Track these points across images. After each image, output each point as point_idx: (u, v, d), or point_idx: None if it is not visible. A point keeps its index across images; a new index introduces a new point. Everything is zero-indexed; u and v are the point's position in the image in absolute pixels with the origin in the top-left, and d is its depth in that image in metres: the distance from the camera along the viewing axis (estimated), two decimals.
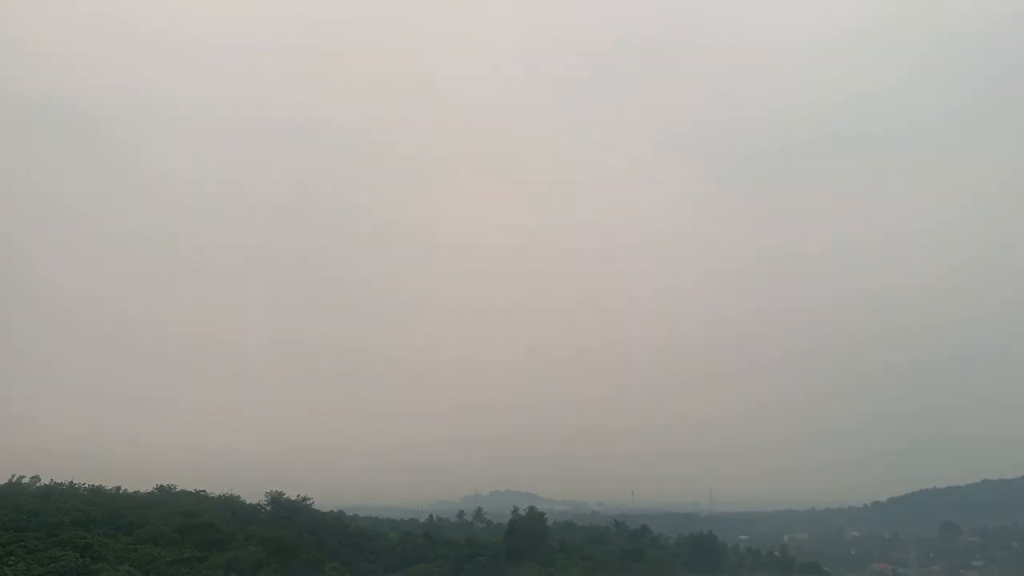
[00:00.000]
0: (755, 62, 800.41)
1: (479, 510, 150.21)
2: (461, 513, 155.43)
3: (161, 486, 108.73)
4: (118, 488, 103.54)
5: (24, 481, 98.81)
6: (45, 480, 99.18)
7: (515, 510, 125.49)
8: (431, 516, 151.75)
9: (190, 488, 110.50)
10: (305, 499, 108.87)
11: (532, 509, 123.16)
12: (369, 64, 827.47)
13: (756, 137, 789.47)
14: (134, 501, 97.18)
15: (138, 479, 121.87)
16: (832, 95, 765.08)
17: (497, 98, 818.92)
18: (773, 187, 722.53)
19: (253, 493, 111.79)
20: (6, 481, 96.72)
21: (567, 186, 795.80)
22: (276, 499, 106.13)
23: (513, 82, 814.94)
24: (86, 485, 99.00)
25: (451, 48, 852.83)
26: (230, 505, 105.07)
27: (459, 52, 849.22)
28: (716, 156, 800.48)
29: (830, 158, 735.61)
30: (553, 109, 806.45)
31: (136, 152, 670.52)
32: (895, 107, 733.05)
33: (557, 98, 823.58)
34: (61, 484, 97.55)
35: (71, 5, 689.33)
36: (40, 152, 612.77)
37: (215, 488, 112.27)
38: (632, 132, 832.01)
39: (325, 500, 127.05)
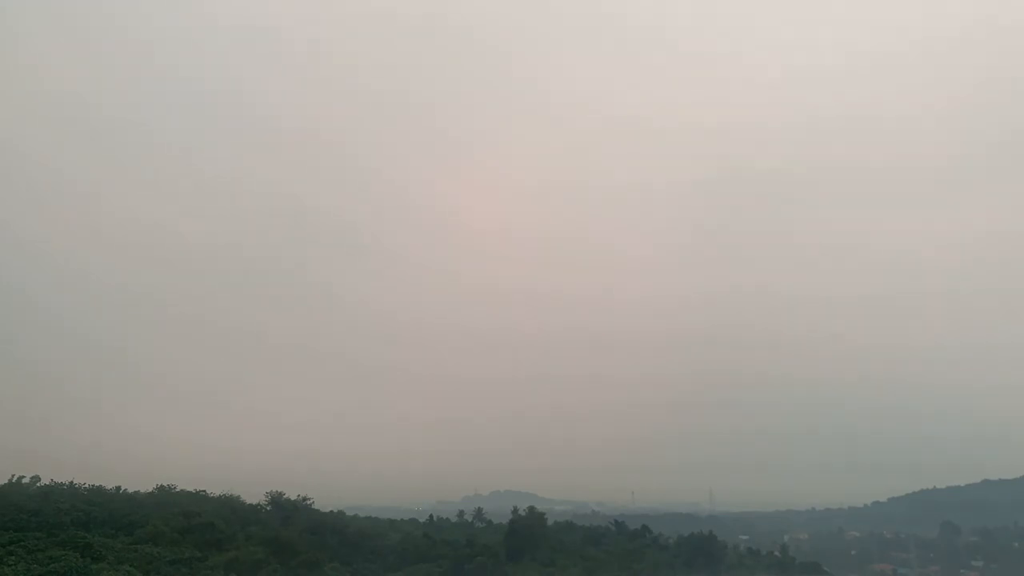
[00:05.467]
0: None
1: (479, 510, 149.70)
2: (461, 513, 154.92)
3: (161, 486, 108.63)
4: (118, 488, 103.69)
5: (24, 481, 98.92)
6: (45, 480, 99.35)
7: (515, 510, 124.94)
8: (431, 516, 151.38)
9: (190, 488, 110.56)
10: (305, 499, 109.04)
11: (532, 509, 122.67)
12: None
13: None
14: (134, 501, 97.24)
15: (138, 479, 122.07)
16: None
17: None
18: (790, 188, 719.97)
19: (253, 493, 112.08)
20: (6, 481, 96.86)
21: (562, 192, 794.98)
22: (276, 499, 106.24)
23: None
24: (86, 485, 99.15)
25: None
26: (230, 505, 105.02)
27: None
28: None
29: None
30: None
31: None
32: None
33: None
34: (61, 484, 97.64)
35: None
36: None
37: (215, 488, 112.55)
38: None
39: (325, 500, 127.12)
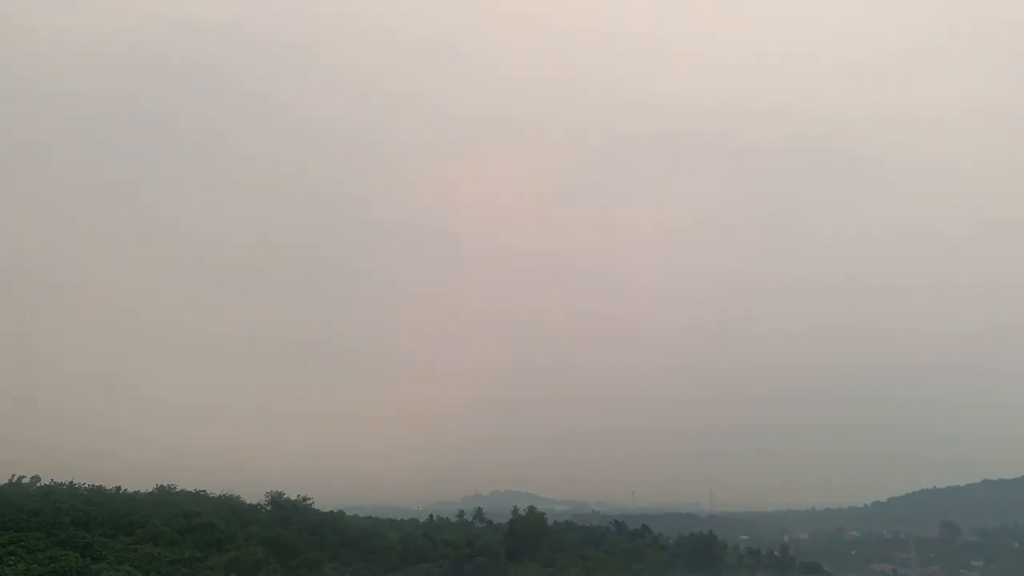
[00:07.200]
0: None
1: (479, 510, 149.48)
2: (461, 513, 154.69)
3: (161, 486, 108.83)
4: (118, 488, 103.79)
5: (24, 481, 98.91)
6: (45, 480, 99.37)
7: (515, 510, 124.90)
8: (431, 516, 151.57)
9: (190, 488, 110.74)
10: (305, 499, 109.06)
11: (532, 509, 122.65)
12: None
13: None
14: (134, 501, 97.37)
15: (138, 479, 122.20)
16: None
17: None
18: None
19: (253, 493, 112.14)
20: (6, 481, 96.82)
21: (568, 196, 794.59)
22: (276, 499, 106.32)
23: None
24: (86, 485, 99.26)
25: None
26: (230, 505, 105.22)
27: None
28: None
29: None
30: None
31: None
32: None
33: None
34: (61, 484, 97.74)
35: None
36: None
37: (215, 488, 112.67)
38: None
39: (325, 500, 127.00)
